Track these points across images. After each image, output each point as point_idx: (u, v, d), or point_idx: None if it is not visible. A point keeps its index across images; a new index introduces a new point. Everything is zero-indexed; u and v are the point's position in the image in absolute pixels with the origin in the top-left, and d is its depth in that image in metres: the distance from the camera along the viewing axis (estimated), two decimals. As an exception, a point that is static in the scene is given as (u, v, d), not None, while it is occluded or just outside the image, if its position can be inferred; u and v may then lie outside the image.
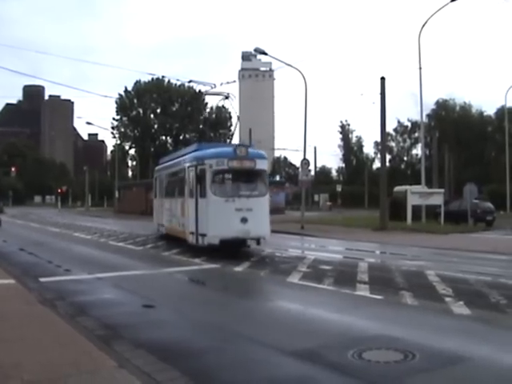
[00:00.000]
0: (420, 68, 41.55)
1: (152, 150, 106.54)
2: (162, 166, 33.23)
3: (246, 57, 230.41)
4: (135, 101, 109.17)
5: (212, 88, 36.99)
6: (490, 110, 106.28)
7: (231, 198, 21.92)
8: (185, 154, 26.82)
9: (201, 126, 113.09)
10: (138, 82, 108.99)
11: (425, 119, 75.00)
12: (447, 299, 12.65)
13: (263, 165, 23.43)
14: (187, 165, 24.21)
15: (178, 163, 27.29)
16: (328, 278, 16.03)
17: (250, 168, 22.71)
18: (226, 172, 23.22)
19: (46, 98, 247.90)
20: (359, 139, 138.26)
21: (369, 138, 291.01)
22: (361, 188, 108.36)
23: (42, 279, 16.20)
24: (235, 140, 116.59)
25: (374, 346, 8.91)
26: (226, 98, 30.52)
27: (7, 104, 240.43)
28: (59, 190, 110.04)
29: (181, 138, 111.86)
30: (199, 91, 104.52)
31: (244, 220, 21.45)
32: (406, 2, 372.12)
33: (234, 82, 55.41)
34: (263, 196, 22.82)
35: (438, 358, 8.29)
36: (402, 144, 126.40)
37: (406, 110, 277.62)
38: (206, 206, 21.96)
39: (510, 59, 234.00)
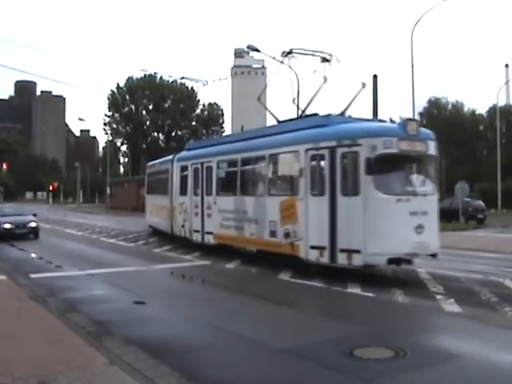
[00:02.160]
0: (412, 66, 41.50)
1: (144, 146, 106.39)
2: (194, 153, 25.44)
3: (238, 54, 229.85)
4: (127, 97, 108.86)
5: (204, 85, 37.15)
6: (481, 109, 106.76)
7: (404, 196, 15.33)
8: (276, 133, 19.44)
9: (193, 123, 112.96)
10: (130, 79, 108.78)
11: (417, 117, 75.11)
12: (438, 297, 12.68)
13: (434, 149, 16.51)
14: (306, 147, 16.69)
15: (258, 146, 19.68)
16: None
17: (422, 153, 16.09)
18: (394, 158, 15.65)
19: (38, 93, 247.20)
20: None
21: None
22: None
23: (33, 275, 16.16)
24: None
25: (365, 343, 8.93)
26: (327, 60, 20.09)
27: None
28: (50, 187, 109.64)
29: (173, 134, 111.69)
30: (191, 88, 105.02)
31: (420, 228, 15.16)
32: (398, 0, 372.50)
33: (226, 78, 55.36)
34: (435, 194, 16.40)
35: (428, 355, 8.31)
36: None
37: (398, 108, 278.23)
38: (364, 207, 15.04)
39: (502, 58, 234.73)
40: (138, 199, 64.62)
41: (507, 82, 61.79)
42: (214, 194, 22.27)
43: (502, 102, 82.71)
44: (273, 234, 18.00)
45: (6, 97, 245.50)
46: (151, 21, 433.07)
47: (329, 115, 17.75)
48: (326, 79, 19.85)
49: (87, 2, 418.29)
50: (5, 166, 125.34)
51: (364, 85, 19.02)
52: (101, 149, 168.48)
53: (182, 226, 25.16)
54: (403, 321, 11.07)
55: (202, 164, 23.44)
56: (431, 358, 8.15)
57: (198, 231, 23.44)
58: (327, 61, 20.14)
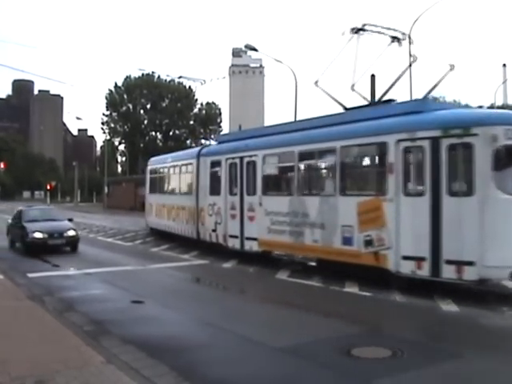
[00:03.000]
0: (410, 65, 41.56)
1: (141, 145, 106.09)
2: (229, 146, 21.93)
3: (236, 53, 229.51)
4: (125, 96, 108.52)
5: (202, 84, 37.10)
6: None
7: None
8: (347, 122, 16.40)
9: (191, 122, 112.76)
10: (128, 78, 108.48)
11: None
12: (435, 296, 12.67)
13: None
14: (397, 137, 13.96)
15: (325, 137, 16.66)
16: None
17: None
18: None
19: (36, 92, 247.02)
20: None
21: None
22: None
23: (31, 275, 16.15)
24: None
25: (363, 342, 8.94)
26: (397, 40, 17.75)
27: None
28: (48, 187, 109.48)
29: (170, 133, 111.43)
30: (189, 87, 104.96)
31: None
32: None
33: (224, 78, 55.39)
34: None
35: (426, 354, 8.32)
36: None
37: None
38: (481, 209, 12.52)
39: (500, 58, 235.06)
40: (135, 198, 64.63)
41: (505, 82, 62.01)
42: (258, 193, 19.10)
43: (499, 102, 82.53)
44: (347, 241, 15.16)
45: (3, 96, 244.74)
46: (149, 20, 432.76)
47: (425, 99, 15.66)
48: (415, 58, 18.22)
49: (85, 0, 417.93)
50: (2, 165, 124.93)
51: (452, 67, 15.97)
52: (98, 148, 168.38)
53: (213, 231, 21.78)
54: (401, 320, 11.08)
55: (242, 159, 20.12)
56: (429, 357, 8.15)
57: (235, 236, 20.22)
58: (398, 41, 17.86)
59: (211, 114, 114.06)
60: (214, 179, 22.19)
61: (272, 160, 19.20)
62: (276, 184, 19.64)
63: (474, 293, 12.98)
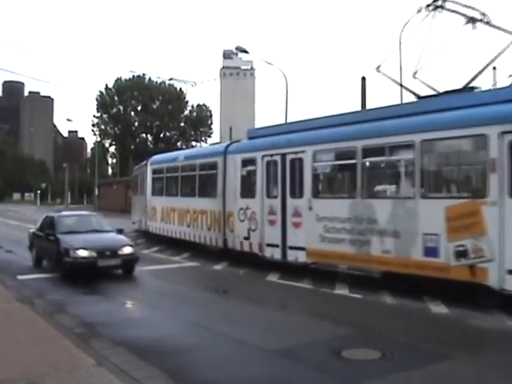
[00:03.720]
0: (401, 68, 41.59)
1: (132, 147, 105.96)
2: (265, 142, 18.88)
3: (227, 55, 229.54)
4: (116, 98, 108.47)
5: (193, 86, 37.05)
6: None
7: None
8: (425, 112, 13.80)
9: (182, 124, 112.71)
10: (118, 79, 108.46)
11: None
12: (425, 298, 12.70)
13: None
14: (500, 129, 11.71)
15: (398, 130, 14.21)
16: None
17: None
18: None
19: (26, 94, 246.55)
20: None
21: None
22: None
23: (20, 277, 16.12)
24: (215, 138, 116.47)
25: (353, 344, 8.96)
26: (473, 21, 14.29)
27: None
28: (38, 190, 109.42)
29: (161, 135, 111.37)
30: (180, 89, 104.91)
31: None
32: (388, 1, 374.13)
33: (215, 80, 55.37)
34: None
35: (416, 356, 8.35)
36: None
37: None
38: None
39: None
40: (125, 200, 64.65)
41: (495, 85, 62.16)
42: (307, 196, 16.51)
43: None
44: (430, 251, 12.80)
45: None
46: (140, 22, 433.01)
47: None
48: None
49: (76, 2, 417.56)
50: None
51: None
52: (89, 150, 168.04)
53: (246, 238, 18.99)
54: (391, 322, 11.10)
55: (284, 156, 17.47)
56: (419, 359, 8.18)
57: (274, 245, 17.60)
58: (473, 22, 14.70)
59: (202, 116, 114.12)
60: (246, 179, 19.68)
61: (325, 157, 16.69)
62: (331, 185, 17.67)
63: (464, 294, 13.02)
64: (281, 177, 17.58)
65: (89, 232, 17.75)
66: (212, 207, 21.43)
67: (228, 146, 21.45)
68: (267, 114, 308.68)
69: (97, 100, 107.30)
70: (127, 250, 17.00)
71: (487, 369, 7.86)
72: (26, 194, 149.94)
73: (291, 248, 16.97)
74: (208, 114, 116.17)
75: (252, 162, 19.10)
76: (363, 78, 38.44)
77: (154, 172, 28.59)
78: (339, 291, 14.08)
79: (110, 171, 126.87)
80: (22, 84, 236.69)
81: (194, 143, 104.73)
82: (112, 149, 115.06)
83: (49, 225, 18.60)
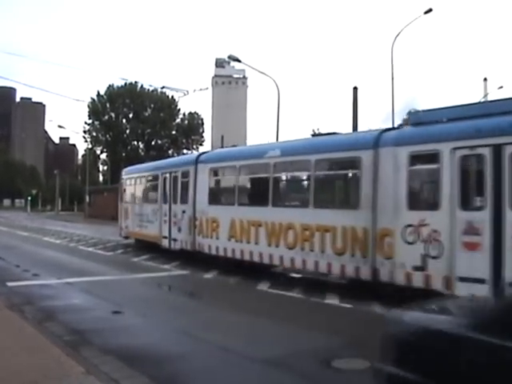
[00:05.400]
0: (392, 79, 41.81)
1: (123, 155, 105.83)
2: (450, 129, 13.34)
3: (219, 63, 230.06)
4: (107, 105, 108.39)
5: (185, 95, 36.85)
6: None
7: None
8: None
9: (173, 132, 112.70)
10: (110, 87, 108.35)
11: (396, 129, 75.32)
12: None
13: None
14: None
15: None
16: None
17: None
18: None
19: (18, 100, 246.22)
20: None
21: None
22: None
23: (10, 284, 16.03)
24: (207, 146, 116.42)
25: (343, 354, 8.97)
26: None
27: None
28: (29, 197, 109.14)
29: (153, 143, 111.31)
30: (172, 97, 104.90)
31: None
32: (380, 13, 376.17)
33: (207, 88, 55.36)
34: None
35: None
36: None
37: (377, 120, 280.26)
38: None
39: (481, 72, 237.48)
40: (116, 208, 64.47)
41: (486, 96, 62.36)
42: None
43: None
44: None
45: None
46: (133, 29, 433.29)
47: None
48: None
49: (67, 9, 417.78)
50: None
51: None
52: (80, 157, 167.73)
53: (419, 269, 13.19)
54: (381, 332, 11.11)
55: (498, 148, 12.02)
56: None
57: (475, 280, 12.11)
58: None
59: (194, 125, 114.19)
60: (419, 183, 14.73)
61: None
62: None
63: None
64: (493, 178, 12.23)
65: None
66: (347, 222, 15.07)
67: (381, 134, 15.19)
68: (259, 123, 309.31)
69: (88, 107, 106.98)
70: None
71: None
72: (17, 201, 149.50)
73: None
74: (200, 122, 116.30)
75: (431, 157, 13.59)
76: (355, 88, 38.63)
77: (215, 173, 21.69)
78: (329, 301, 14.10)
79: (101, 178, 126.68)
80: (14, 90, 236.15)
81: (185, 151, 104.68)
82: (103, 156, 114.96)
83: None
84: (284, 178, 19.15)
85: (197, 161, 22.19)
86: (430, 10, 37.87)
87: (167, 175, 24.47)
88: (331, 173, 17.25)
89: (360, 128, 35.88)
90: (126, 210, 30.26)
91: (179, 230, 22.76)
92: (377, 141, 14.81)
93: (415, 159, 13.79)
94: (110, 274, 18.69)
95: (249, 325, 11.69)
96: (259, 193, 19.06)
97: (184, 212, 22.40)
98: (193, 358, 8.94)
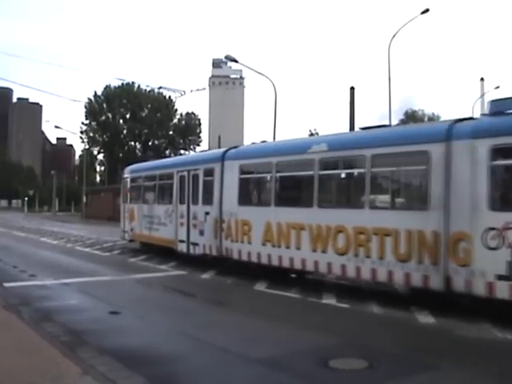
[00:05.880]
0: (389, 79, 41.80)
1: (120, 155, 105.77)
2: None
3: (216, 64, 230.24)
4: (104, 106, 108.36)
5: (182, 95, 36.69)
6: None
7: None
8: None
9: (170, 133, 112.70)
10: (107, 87, 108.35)
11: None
12: (412, 308, 12.72)
13: None
14: None
15: None
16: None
17: None
18: None
19: (14, 100, 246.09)
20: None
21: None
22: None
23: (7, 284, 16.00)
24: (204, 146, 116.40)
25: (340, 354, 8.96)
26: None
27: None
28: (26, 198, 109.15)
29: (150, 144, 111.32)
30: (169, 97, 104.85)
31: None
32: (377, 14, 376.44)
33: (204, 89, 55.33)
34: None
35: (403, 366, 8.36)
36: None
37: (374, 120, 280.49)
38: None
39: (478, 72, 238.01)
40: (113, 208, 64.65)
41: (482, 96, 62.32)
42: None
43: (477, 115, 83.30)
44: None
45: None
46: (130, 30, 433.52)
47: None
48: None
49: (65, 10, 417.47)
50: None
51: None
52: (77, 157, 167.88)
53: (503, 278, 11.34)
54: (378, 332, 11.10)
55: None
56: (406, 369, 8.20)
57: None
58: None
59: (191, 125, 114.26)
60: (505, 180, 12.67)
61: None
62: None
63: (452, 305, 13.04)
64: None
65: None
66: (412, 225, 13.24)
67: (452, 125, 13.18)
68: (256, 124, 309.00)
69: (85, 107, 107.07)
70: None
71: (473, 379, 7.88)
72: (14, 201, 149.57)
73: None
74: (197, 122, 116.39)
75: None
76: (352, 88, 38.62)
77: (247, 171, 19.35)
78: (327, 301, 14.09)
79: (98, 179, 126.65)
80: (11, 90, 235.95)
81: (182, 152, 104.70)
82: (100, 156, 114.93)
83: None
84: (332, 175, 16.52)
85: (223, 157, 19.84)
86: (427, 11, 37.92)
87: (185, 173, 22.20)
88: (391, 169, 15.16)
89: (356, 127, 35.80)
90: (131, 212, 27.80)
91: (201, 233, 20.59)
92: (449, 133, 13.07)
93: (498, 153, 12.00)
94: (107, 275, 18.67)
95: (246, 325, 11.67)
96: (301, 192, 17.70)
97: (208, 214, 20.20)
98: (190, 358, 8.92)
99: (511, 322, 11.05)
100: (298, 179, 17.66)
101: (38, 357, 8.15)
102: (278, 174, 17.31)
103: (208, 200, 20.30)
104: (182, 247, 21.90)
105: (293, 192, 18.15)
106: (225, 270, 18.19)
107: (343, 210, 15.35)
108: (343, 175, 16.68)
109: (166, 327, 11.38)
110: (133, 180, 28.71)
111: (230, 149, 20.57)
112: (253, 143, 23.25)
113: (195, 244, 20.90)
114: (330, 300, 14.11)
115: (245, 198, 18.92)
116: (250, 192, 20.03)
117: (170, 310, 13.34)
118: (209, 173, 20.53)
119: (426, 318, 11.86)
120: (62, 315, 11.95)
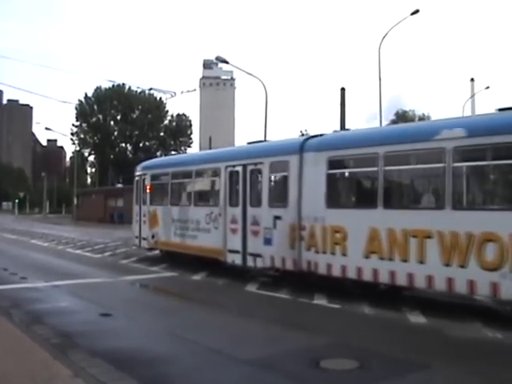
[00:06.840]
0: (380, 79, 41.88)
1: (111, 157, 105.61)
2: None
3: (207, 65, 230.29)
4: (95, 107, 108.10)
5: (172, 96, 36.63)
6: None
7: None
8: None
9: (161, 134, 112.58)
10: (98, 89, 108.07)
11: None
12: (404, 308, 12.75)
13: None
14: None
15: None
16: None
17: None
18: None
19: (5, 102, 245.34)
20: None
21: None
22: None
23: (-3, 287, 15.96)
24: (195, 148, 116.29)
25: (331, 354, 8.98)
26: None
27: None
28: (16, 200, 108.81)
29: (141, 145, 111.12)
30: (160, 99, 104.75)
31: None
32: (367, 15, 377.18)
33: (195, 90, 55.32)
34: None
35: (394, 366, 8.39)
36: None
37: (364, 120, 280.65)
38: None
39: (468, 72, 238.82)
40: (104, 210, 64.71)
41: (473, 96, 62.48)
42: None
43: (468, 115, 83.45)
44: None
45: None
46: (120, 31, 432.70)
47: None
48: None
49: (55, 11, 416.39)
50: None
51: None
52: (68, 159, 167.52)
53: None
54: (369, 332, 11.12)
55: None
56: (397, 368, 8.22)
57: None
58: None
59: (182, 126, 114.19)
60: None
61: None
62: None
63: (443, 305, 13.10)
64: None
65: None
66: None
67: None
68: (247, 124, 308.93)
69: (76, 109, 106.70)
70: None
71: (464, 379, 7.91)
72: (4, 203, 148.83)
73: None
74: (188, 123, 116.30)
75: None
76: (342, 89, 38.73)
77: (338, 165, 15.48)
78: (318, 301, 14.10)
79: (89, 180, 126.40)
80: (1, 92, 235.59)
81: (173, 153, 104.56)
82: (91, 158, 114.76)
83: None
84: (472, 168, 12.67)
85: (302, 148, 16.09)
86: (417, 11, 38.00)
87: (238, 168, 18.34)
88: None
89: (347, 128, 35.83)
90: (154, 215, 23.57)
91: (267, 241, 16.84)
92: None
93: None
94: (98, 277, 18.61)
95: (237, 326, 11.69)
96: (424, 191, 14.27)
97: (278, 218, 16.50)
98: (181, 359, 8.93)
99: (501, 322, 11.15)
100: (419, 173, 14.14)
101: (29, 359, 8.13)
102: (388, 168, 13.68)
103: (278, 201, 16.85)
104: (235, 258, 18.18)
105: (411, 190, 14.75)
106: (241, 276, 17.91)
107: (493, 213, 11.71)
108: (492, 168, 12.45)
109: (157, 329, 11.36)
110: (154, 177, 24.37)
111: (311, 137, 17.11)
112: (335, 131, 19.83)
113: (256, 255, 17.26)
114: (321, 301, 14.12)
115: (336, 199, 15.55)
116: (344, 191, 16.39)
117: (162, 312, 13.32)
118: (279, 167, 17.03)
119: (417, 318, 11.89)
120: (53, 317, 11.93)
